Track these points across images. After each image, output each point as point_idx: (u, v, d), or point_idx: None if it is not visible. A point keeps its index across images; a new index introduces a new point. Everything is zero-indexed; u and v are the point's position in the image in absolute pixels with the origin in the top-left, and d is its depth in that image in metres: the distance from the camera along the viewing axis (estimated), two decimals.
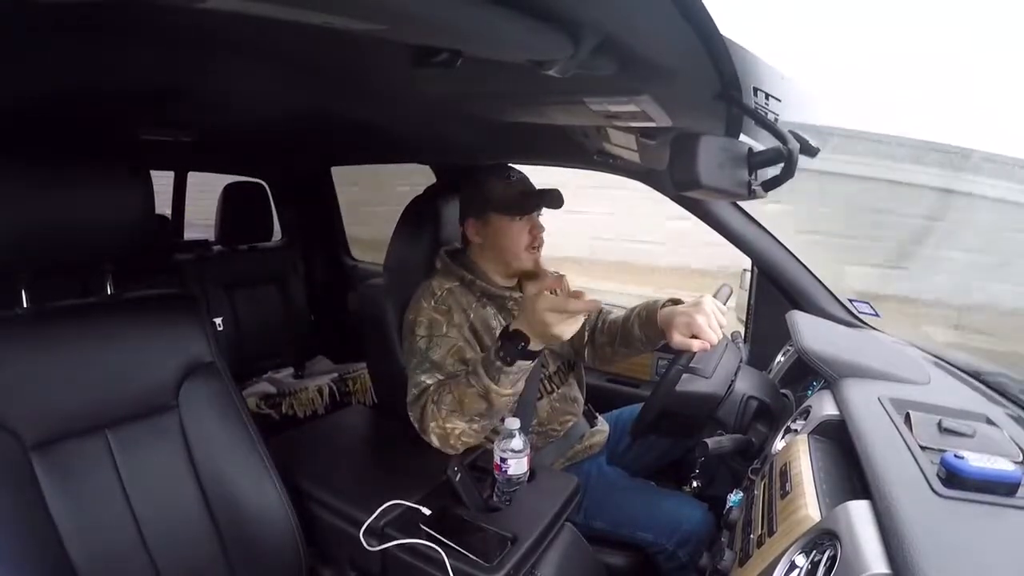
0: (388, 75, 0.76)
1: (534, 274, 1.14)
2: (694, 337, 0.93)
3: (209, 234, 2.10)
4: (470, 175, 1.15)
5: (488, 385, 0.88)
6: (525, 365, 0.88)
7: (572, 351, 1.25)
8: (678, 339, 0.95)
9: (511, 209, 1.07)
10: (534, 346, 0.85)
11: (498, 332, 1.07)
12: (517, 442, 0.86)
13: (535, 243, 1.11)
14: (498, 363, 0.86)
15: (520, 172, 1.14)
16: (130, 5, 0.48)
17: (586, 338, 1.25)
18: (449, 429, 0.94)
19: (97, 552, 0.74)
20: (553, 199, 1.08)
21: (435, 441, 0.96)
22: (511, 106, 0.90)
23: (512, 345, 0.85)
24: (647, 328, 1.09)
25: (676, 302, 1.05)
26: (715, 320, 0.94)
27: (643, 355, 1.63)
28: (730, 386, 1.04)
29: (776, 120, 0.63)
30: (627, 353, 1.19)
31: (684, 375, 1.00)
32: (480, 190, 1.10)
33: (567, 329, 0.81)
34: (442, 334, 1.02)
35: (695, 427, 1.05)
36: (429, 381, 0.99)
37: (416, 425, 0.99)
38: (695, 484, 1.04)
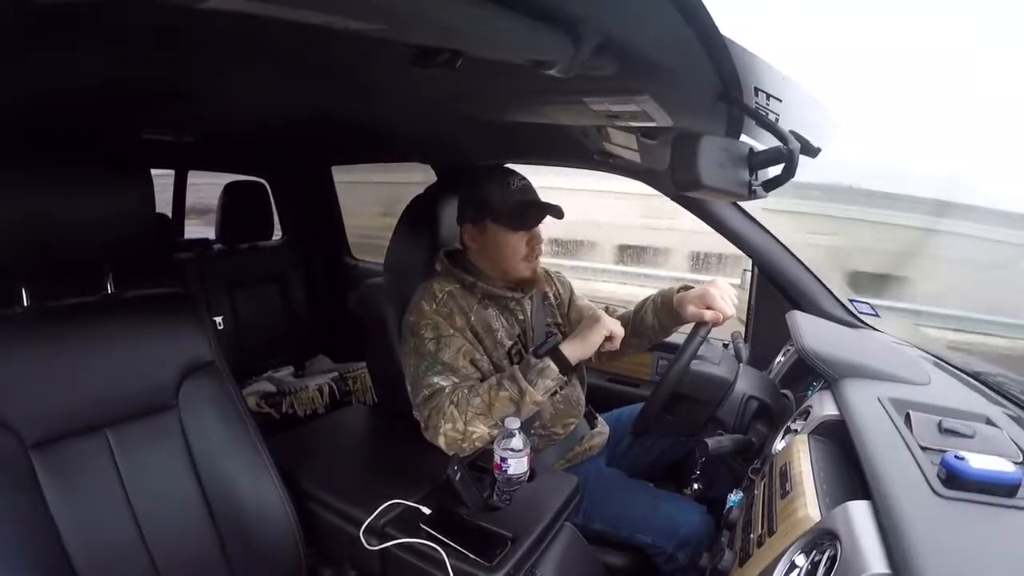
0: (388, 75, 0.76)
1: (530, 282, 1.12)
2: (708, 309, 1.00)
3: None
4: (468, 178, 1.12)
5: (524, 388, 0.93)
6: (555, 373, 0.95)
7: None
8: (692, 311, 1.02)
9: (510, 222, 1.05)
10: (570, 351, 0.96)
11: (500, 334, 1.08)
12: (517, 442, 0.86)
13: (534, 254, 1.09)
14: (532, 360, 0.95)
15: (523, 179, 1.09)
16: (131, 5, 0.48)
17: None
18: (469, 432, 0.94)
19: (97, 551, 0.74)
20: (555, 213, 1.06)
21: (442, 442, 0.95)
22: (512, 106, 0.91)
23: (545, 344, 0.97)
24: (661, 314, 1.12)
25: (687, 288, 1.09)
26: (728, 294, 1.00)
27: (643, 355, 1.64)
28: (731, 385, 1.04)
29: (777, 120, 0.63)
30: (637, 345, 1.20)
31: (694, 360, 1.01)
32: (478, 196, 1.06)
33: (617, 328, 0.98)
34: (449, 335, 1.02)
35: (699, 419, 1.05)
36: (444, 383, 0.98)
37: (423, 424, 0.99)
38: (695, 486, 1.04)
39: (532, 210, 1.06)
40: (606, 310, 1.24)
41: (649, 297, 1.17)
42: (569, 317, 1.25)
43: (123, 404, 0.82)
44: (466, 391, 0.97)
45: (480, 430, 0.94)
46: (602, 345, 0.98)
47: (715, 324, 1.00)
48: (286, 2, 0.36)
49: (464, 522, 0.84)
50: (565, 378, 0.97)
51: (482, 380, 1.03)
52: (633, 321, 1.17)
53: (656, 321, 1.14)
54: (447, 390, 0.97)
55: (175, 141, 1.57)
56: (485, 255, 1.10)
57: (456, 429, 0.94)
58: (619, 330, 0.98)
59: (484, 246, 1.09)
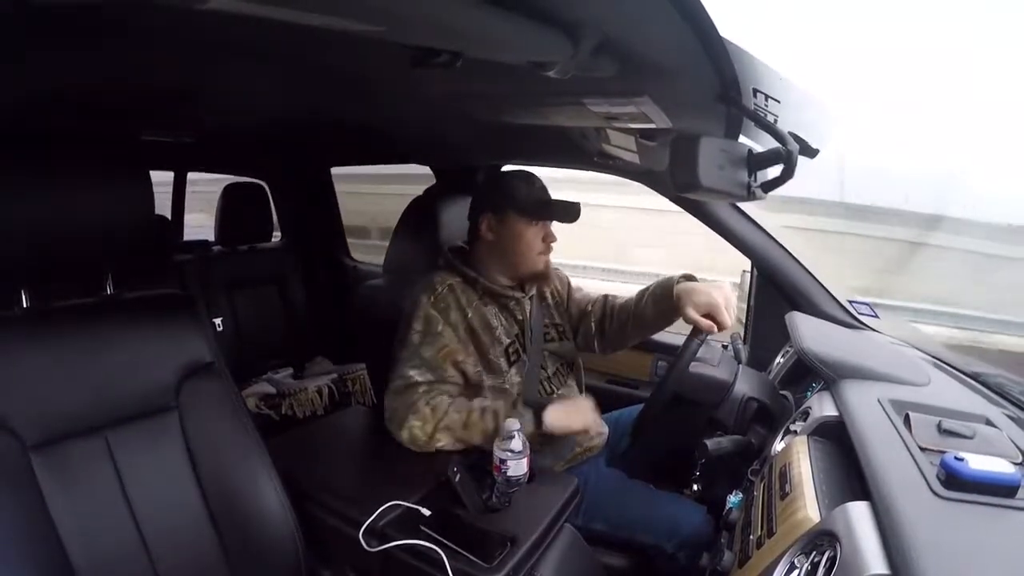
0: (388, 76, 0.76)
1: (543, 276, 1.15)
2: (708, 316, 0.98)
3: None
4: (491, 173, 1.17)
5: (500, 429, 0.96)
6: (531, 428, 0.99)
7: (575, 348, 1.25)
8: (691, 315, 0.99)
9: (532, 213, 1.08)
10: (552, 417, 1.01)
11: (499, 331, 1.08)
12: (516, 443, 0.86)
13: (547, 249, 1.12)
14: (521, 409, 1.00)
15: (541, 181, 1.15)
16: (131, 6, 0.48)
17: (594, 329, 1.24)
18: (435, 439, 0.99)
19: (97, 553, 0.74)
20: (574, 212, 1.09)
21: (405, 436, 0.99)
22: (511, 107, 0.91)
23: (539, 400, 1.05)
24: (662, 303, 1.10)
25: (689, 278, 1.09)
26: (732, 303, 0.99)
27: (642, 356, 1.64)
28: (730, 386, 1.04)
29: (775, 121, 0.63)
30: (640, 334, 1.20)
31: (692, 362, 1.01)
32: (503, 187, 1.11)
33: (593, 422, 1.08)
34: (437, 332, 1.03)
35: (699, 420, 1.05)
36: (419, 378, 1.01)
37: (387, 414, 1.02)
38: (695, 487, 1.04)
39: (553, 207, 1.10)
40: (605, 300, 1.25)
41: (648, 288, 1.16)
42: (569, 312, 1.26)
43: (123, 405, 0.82)
44: (447, 399, 1.00)
45: (445, 441, 0.99)
46: (577, 433, 1.07)
47: (710, 334, 0.99)
48: (286, 3, 0.36)
49: (464, 523, 0.84)
50: (533, 431, 1.01)
51: (465, 382, 1.06)
52: (634, 313, 1.17)
53: (656, 310, 1.13)
54: (422, 388, 1.00)
55: (174, 142, 1.57)
56: (500, 247, 1.11)
57: (424, 430, 0.98)
58: (596, 431, 1.13)
59: (501, 237, 1.10)
